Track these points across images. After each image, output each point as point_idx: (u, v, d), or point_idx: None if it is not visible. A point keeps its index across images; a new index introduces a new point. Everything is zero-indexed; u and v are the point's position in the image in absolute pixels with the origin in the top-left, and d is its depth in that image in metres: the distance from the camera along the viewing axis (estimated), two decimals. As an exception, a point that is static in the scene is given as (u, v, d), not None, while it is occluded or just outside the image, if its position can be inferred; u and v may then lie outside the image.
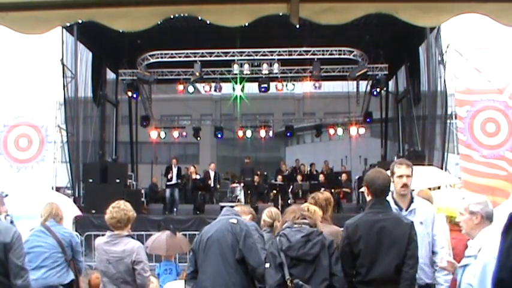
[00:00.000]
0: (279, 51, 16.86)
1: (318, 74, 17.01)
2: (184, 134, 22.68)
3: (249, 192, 15.80)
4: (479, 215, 3.45)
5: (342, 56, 16.82)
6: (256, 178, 16.68)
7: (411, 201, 4.29)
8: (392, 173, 4.26)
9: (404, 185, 4.21)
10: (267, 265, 3.81)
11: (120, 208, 4.57)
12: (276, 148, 31.04)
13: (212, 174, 16.43)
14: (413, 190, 5.28)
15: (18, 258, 4.01)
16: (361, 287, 3.72)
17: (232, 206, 4.72)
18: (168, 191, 16.00)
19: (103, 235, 4.73)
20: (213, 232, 4.25)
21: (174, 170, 16.06)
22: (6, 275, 4.02)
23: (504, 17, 2.96)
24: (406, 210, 4.23)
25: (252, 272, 4.05)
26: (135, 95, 18.94)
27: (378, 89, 18.07)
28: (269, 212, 4.95)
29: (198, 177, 16.67)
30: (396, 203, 4.24)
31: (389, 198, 4.12)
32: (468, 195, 6.19)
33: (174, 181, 15.97)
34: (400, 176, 4.24)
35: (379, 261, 3.67)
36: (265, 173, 18.23)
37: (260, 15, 2.97)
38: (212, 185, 16.24)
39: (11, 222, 10.26)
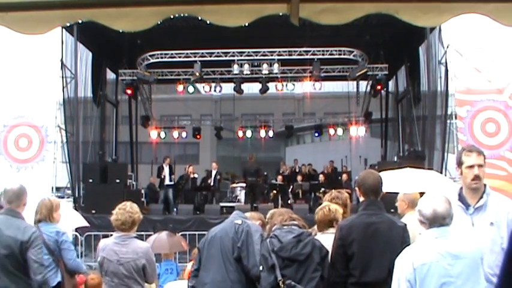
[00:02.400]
0: (279, 51, 16.86)
1: (318, 74, 17.01)
2: (184, 134, 22.67)
3: (251, 193, 15.72)
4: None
5: (342, 56, 16.82)
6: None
7: (481, 196, 3.55)
8: (461, 163, 3.62)
9: (476, 177, 3.51)
10: (260, 268, 3.83)
11: (125, 210, 4.55)
12: (276, 148, 31.04)
13: (214, 173, 16.42)
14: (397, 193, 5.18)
15: (37, 256, 4.23)
16: None
17: (232, 207, 4.69)
18: (162, 192, 15.99)
19: (103, 235, 4.73)
20: (217, 231, 4.32)
21: (166, 169, 16.04)
22: (20, 271, 4.19)
23: (504, 17, 2.96)
24: (474, 207, 3.52)
25: (246, 273, 4.06)
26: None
27: (379, 88, 18.09)
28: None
29: (196, 176, 16.66)
30: (461, 199, 3.59)
31: (454, 193, 3.65)
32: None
33: (167, 181, 15.95)
34: (471, 167, 3.55)
35: (373, 264, 3.64)
36: (265, 173, 18.23)
37: (260, 15, 2.97)
38: (212, 183, 16.22)
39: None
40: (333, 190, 4.81)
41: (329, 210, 4.23)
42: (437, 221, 3.02)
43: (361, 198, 3.94)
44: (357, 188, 3.99)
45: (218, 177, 16.47)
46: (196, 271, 4.34)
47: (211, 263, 4.18)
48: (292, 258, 3.70)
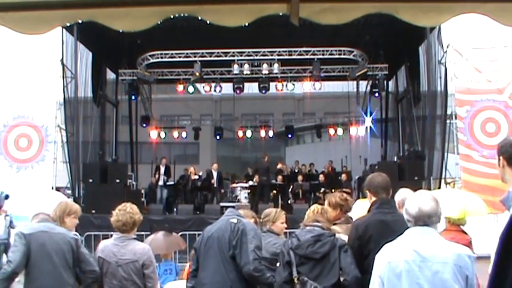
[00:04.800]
0: (279, 51, 16.87)
1: (318, 74, 17.02)
2: (184, 134, 22.67)
3: (261, 192, 15.80)
4: None
5: (342, 56, 16.83)
6: (256, 178, 16.68)
7: None
8: None
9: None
10: (277, 264, 3.90)
11: (126, 211, 4.53)
12: (276, 148, 31.02)
13: (215, 174, 16.44)
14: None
15: (88, 252, 4.65)
16: None
17: (233, 206, 4.71)
18: (158, 192, 16.04)
19: (103, 235, 4.72)
20: (213, 231, 4.35)
21: (162, 170, 16.10)
22: (74, 268, 4.47)
23: (504, 17, 2.96)
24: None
25: (240, 271, 4.13)
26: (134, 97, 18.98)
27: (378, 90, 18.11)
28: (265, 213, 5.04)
29: (197, 177, 16.69)
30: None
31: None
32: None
33: (161, 182, 16.00)
34: None
35: None
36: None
37: (260, 15, 2.97)
38: (215, 185, 16.24)
39: (11, 222, 10.29)
40: (337, 195, 4.79)
41: (321, 210, 4.33)
42: (421, 219, 2.90)
43: (373, 199, 3.98)
44: (366, 191, 4.04)
45: (220, 180, 16.54)
46: (195, 271, 4.38)
47: (210, 264, 4.22)
48: (307, 256, 3.74)
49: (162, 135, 21.85)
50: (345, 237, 4.31)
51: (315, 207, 4.42)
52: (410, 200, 3.00)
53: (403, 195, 4.76)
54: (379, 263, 2.95)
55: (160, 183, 16.05)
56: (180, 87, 19.21)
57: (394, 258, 2.87)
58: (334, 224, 4.45)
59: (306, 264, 3.73)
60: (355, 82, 19.25)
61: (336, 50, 16.66)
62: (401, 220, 3.78)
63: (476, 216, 5.63)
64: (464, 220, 5.61)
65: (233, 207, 4.77)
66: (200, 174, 17.02)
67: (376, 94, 18.33)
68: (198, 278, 4.29)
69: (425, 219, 2.90)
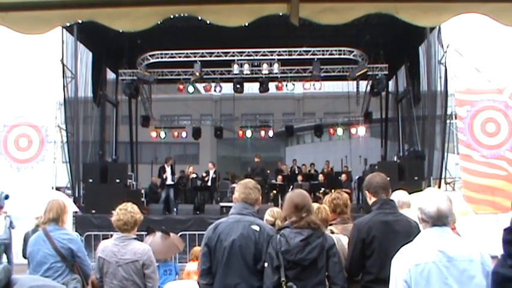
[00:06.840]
0: (279, 51, 16.86)
1: (318, 74, 17.01)
2: (184, 134, 22.67)
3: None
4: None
5: (342, 56, 16.82)
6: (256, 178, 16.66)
7: None
8: None
9: None
10: (266, 264, 3.77)
11: (127, 210, 4.53)
12: (276, 148, 31.05)
13: (211, 173, 16.42)
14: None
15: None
16: (372, 285, 3.74)
17: (250, 203, 4.25)
18: (164, 192, 16.02)
19: (103, 235, 4.71)
20: (235, 237, 3.93)
21: (168, 170, 16.09)
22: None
23: (504, 17, 2.96)
24: None
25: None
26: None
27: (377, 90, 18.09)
28: (271, 211, 4.96)
29: (194, 175, 16.67)
30: None
31: None
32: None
33: (169, 181, 16.00)
34: None
35: (390, 260, 3.68)
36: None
37: (260, 15, 2.97)
38: (210, 184, 16.21)
39: (11, 222, 10.28)
40: (333, 191, 4.81)
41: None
42: (440, 220, 2.91)
43: (373, 199, 3.96)
44: (366, 191, 4.01)
45: (214, 176, 16.43)
46: (210, 269, 3.97)
47: (234, 270, 3.90)
48: (296, 262, 3.70)
49: (162, 135, 21.86)
50: (344, 238, 4.29)
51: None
52: (427, 201, 2.98)
53: (397, 197, 4.76)
54: (402, 266, 2.90)
55: (168, 182, 16.00)
56: (180, 87, 19.22)
57: (420, 260, 2.85)
58: (330, 225, 4.42)
59: (294, 269, 3.69)
60: (355, 82, 19.24)
61: (336, 50, 16.65)
62: (403, 220, 3.80)
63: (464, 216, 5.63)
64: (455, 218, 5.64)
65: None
66: (195, 175, 16.99)
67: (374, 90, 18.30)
68: (219, 281, 3.93)
69: (444, 220, 2.93)
